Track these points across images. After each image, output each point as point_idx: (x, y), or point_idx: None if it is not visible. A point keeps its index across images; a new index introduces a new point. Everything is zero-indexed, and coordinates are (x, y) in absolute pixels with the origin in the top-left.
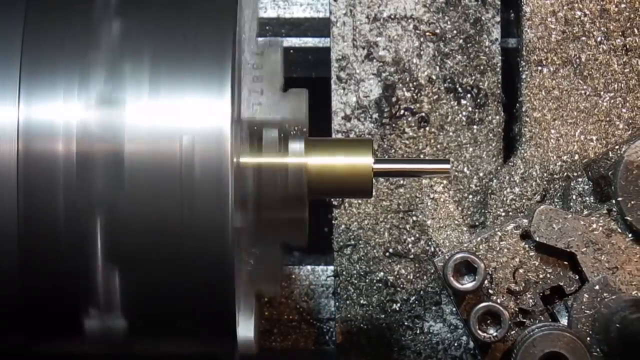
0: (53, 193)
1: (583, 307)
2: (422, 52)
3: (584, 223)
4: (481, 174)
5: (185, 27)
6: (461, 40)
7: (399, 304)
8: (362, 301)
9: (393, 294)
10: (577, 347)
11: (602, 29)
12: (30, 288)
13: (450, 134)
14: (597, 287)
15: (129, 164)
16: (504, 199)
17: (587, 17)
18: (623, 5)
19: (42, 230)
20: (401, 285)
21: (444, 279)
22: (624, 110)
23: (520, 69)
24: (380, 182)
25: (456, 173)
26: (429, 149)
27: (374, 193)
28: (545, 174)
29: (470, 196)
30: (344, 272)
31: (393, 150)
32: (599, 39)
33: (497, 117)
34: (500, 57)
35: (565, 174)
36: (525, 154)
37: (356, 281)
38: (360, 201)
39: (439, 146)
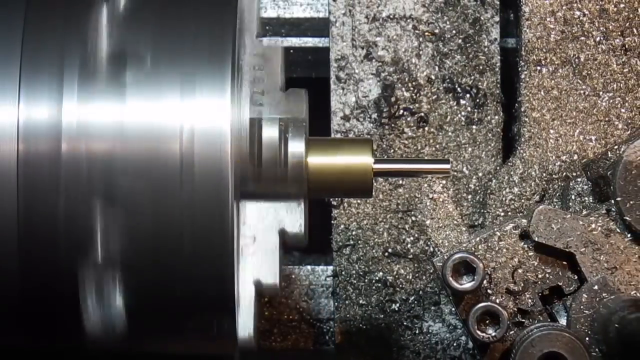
0: (53, 193)
1: (582, 307)
2: (421, 52)
3: (582, 223)
4: (480, 174)
5: (186, 27)
6: (460, 40)
7: (398, 304)
8: (361, 301)
9: (392, 294)
10: (576, 347)
11: (601, 29)
12: (30, 288)
13: (450, 134)
14: (596, 287)
15: (129, 163)
16: (503, 199)
17: (586, 17)
18: (622, 5)
19: (42, 230)
20: (400, 285)
21: (443, 279)
22: (622, 110)
23: (519, 69)
24: (380, 182)
25: (455, 173)
26: (428, 149)
27: (373, 193)
28: (544, 174)
29: (469, 196)
30: (343, 272)
31: (392, 150)
32: (598, 39)
33: (496, 117)
34: (499, 57)
35: (564, 174)
36: (524, 154)
37: (355, 281)
38: (359, 201)
39: (438, 146)
